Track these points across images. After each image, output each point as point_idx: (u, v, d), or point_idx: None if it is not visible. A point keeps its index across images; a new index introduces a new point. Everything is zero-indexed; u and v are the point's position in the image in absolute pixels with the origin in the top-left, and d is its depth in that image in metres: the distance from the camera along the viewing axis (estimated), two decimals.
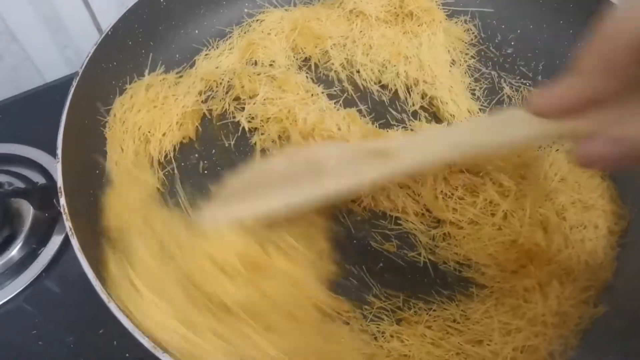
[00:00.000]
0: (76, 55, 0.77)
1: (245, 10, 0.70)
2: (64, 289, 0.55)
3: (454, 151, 0.39)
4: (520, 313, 0.46)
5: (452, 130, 0.46)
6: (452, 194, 0.53)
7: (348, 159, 0.42)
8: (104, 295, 0.38)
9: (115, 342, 0.50)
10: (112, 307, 0.38)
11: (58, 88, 0.70)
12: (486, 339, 0.45)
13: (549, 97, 0.34)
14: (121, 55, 0.60)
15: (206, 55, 0.67)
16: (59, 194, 0.44)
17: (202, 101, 0.62)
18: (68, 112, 0.49)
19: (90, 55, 0.55)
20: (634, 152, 0.31)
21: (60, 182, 0.44)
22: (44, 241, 0.57)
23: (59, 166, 0.45)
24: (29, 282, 0.55)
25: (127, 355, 0.49)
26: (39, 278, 0.55)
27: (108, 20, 0.59)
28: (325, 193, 0.41)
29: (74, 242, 0.41)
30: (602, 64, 0.31)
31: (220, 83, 0.64)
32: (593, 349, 0.45)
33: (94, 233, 0.46)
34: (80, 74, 0.53)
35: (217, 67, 0.65)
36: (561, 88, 0.33)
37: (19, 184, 0.60)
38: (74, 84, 0.52)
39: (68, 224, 0.42)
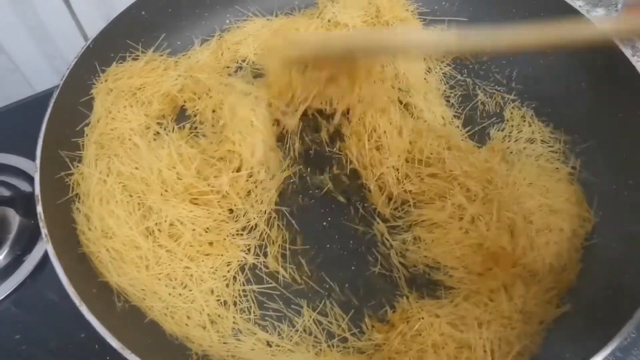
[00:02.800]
0: (65, 65, 0.79)
1: (227, 21, 0.72)
2: (48, 295, 0.56)
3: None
4: (488, 309, 0.48)
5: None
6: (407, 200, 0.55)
7: None
8: (76, 300, 0.40)
9: (96, 346, 0.51)
10: (84, 310, 0.39)
11: (47, 98, 0.72)
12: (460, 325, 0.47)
13: None
14: (103, 67, 0.61)
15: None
16: (36, 201, 0.45)
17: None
18: (47, 123, 0.51)
19: (71, 67, 0.56)
20: None
21: (37, 191, 0.46)
22: (29, 248, 0.59)
23: (37, 175, 0.47)
24: (13, 288, 0.56)
25: (107, 358, 0.50)
26: (23, 284, 0.57)
27: (95, 31, 0.60)
28: None
29: (49, 248, 0.43)
30: None
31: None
32: (554, 347, 0.46)
33: (71, 240, 0.48)
34: (61, 85, 0.55)
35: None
36: None
37: (5, 192, 0.62)
38: (54, 96, 0.53)
39: (44, 230, 0.44)
